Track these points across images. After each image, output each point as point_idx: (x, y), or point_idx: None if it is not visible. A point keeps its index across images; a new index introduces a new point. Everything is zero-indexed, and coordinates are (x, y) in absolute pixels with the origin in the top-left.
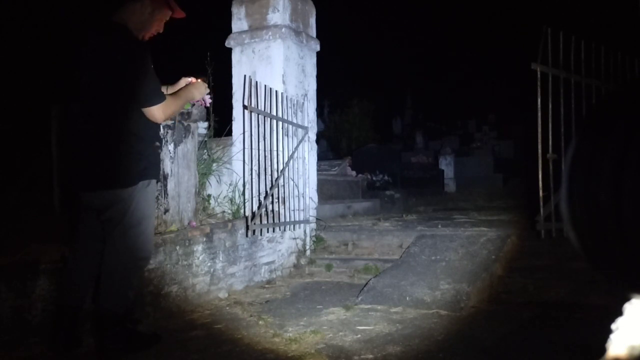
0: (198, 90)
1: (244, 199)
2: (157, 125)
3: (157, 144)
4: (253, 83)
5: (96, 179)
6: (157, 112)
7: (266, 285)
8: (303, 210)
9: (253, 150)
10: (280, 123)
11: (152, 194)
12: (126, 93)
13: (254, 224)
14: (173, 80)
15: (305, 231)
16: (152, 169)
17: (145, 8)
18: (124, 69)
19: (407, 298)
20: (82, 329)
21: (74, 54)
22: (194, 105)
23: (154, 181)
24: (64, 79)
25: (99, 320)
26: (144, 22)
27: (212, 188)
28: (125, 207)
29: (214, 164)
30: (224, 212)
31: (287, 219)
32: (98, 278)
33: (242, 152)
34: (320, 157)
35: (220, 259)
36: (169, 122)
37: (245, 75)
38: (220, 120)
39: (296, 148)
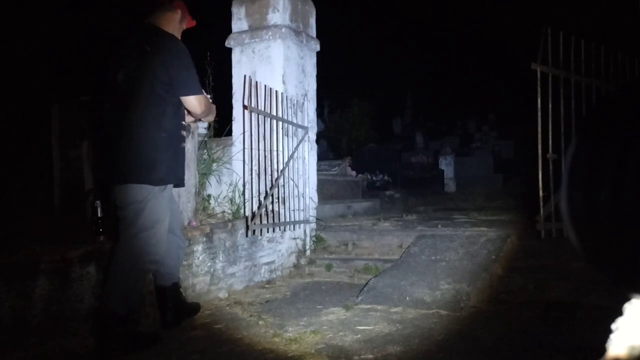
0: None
1: (244, 199)
2: (183, 128)
3: (183, 144)
4: (253, 83)
5: (120, 173)
6: (196, 102)
7: (266, 285)
8: (303, 210)
9: (253, 150)
10: (280, 123)
11: (167, 198)
12: (172, 84)
13: (254, 224)
14: None
15: (305, 231)
16: (172, 174)
17: (177, 15)
18: (176, 62)
19: (407, 298)
20: (86, 326)
21: (115, 51)
22: None
23: (170, 186)
24: (97, 75)
25: (100, 319)
26: (174, 29)
27: (212, 188)
28: (139, 208)
29: (214, 164)
30: (224, 212)
31: (287, 219)
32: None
33: (242, 152)
34: (320, 157)
35: (220, 259)
36: None
37: (245, 75)
38: (220, 120)
39: (296, 148)
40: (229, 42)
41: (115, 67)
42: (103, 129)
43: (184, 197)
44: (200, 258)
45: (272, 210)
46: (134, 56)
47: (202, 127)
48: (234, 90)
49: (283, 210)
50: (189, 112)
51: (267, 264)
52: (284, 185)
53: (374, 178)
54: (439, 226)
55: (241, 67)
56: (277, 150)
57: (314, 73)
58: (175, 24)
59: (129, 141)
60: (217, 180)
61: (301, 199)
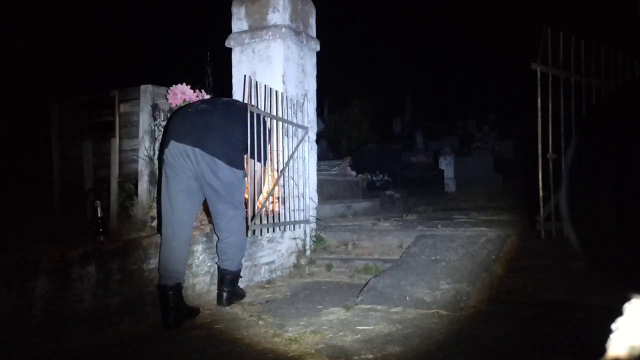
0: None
1: None
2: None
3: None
4: (253, 83)
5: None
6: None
7: (266, 285)
8: (303, 210)
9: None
10: (280, 123)
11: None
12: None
13: (254, 224)
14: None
15: (305, 231)
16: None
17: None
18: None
19: (407, 298)
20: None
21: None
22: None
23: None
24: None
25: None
26: None
27: None
28: (241, 182)
29: None
30: None
31: (287, 219)
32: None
33: None
34: (320, 157)
35: None
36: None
37: (245, 75)
38: None
39: (296, 148)
40: (229, 42)
41: (220, 98)
42: (194, 107)
43: None
44: (200, 258)
45: (272, 210)
46: (233, 100)
47: None
48: (234, 90)
49: (283, 210)
50: None
51: (267, 264)
52: (284, 185)
53: (374, 178)
54: (439, 226)
55: (241, 67)
56: (277, 150)
57: (314, 73)
58: None
59: (223, 131)
60: None
61: (301, 199)
